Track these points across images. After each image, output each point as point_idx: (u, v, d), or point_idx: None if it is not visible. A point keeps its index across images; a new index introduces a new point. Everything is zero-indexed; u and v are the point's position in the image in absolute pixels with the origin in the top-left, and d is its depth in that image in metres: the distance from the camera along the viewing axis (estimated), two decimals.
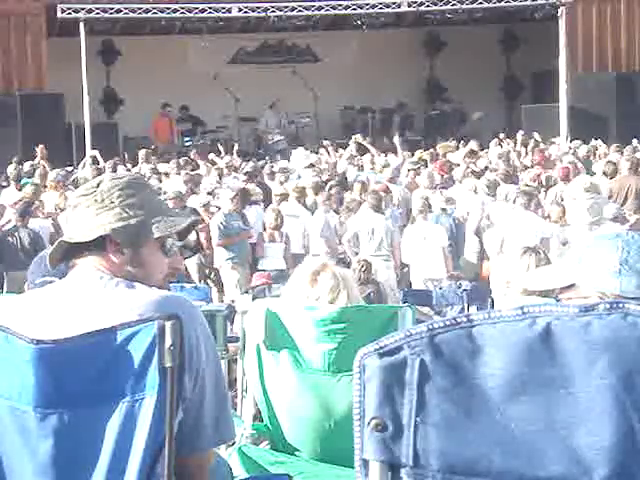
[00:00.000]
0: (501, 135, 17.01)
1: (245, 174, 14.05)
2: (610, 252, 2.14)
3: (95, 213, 2.38)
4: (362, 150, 16.58)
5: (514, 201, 11.24)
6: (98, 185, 2.43)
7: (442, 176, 13.68)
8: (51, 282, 3.86)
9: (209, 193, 12.82)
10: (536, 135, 16.62)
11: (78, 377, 2.12)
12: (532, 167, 14.62)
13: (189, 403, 2.19)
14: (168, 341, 2.07)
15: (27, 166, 14.59)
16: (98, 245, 2.37)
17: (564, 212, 11.12)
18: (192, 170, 14.67)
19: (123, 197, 2.39)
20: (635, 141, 15.79)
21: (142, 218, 2.38)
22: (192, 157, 16.06)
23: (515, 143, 16.44)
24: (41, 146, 15.52)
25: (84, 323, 2.19)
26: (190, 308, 2.25)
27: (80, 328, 2.16)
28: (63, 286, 2.37)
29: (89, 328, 2.15)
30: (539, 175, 13.81)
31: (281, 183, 13.59)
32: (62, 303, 2.29)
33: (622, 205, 11.96)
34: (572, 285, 2.18)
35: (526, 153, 16.01)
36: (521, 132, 17.05)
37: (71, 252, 2.41)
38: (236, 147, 16.91)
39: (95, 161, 15.66)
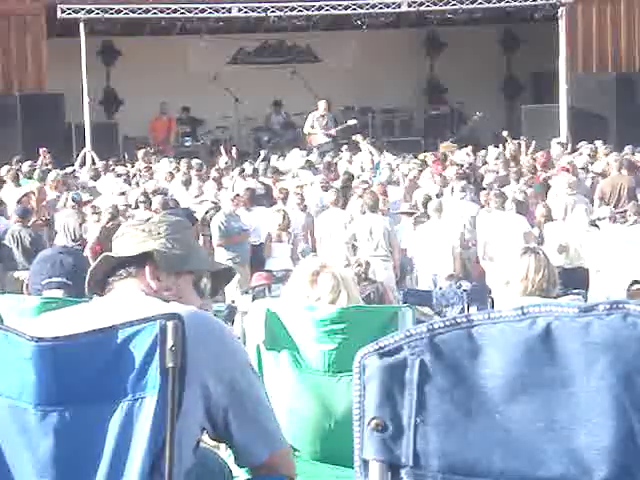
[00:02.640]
0: (505, 133, 16.97)
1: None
2: None
3: (141, 240, 2.50)
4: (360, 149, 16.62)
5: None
6: (147, 220, 2.59)
7: (439, 175, 13.71)
8: (57, 283, 3.87)
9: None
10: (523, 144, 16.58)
11: (79, 375, 2.12)
12: (534, 169, 14.60)
13: (217, 418, 2.23)
14: (170, 341, 2.07)
15: (26, 166, 14.61)
16: (138, 268, 2.46)
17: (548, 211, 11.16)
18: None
19: (170, 231, 2.52)
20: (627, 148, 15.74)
21: (184, 253, 2.51)
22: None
23: (519, 145, 16.41)
24: (44, 149, 15.52)
25: None
26: (208, 326, 2.25)
27: None
28: (105, 302, 2.43)
29: None
30: (538, 177, 13.82)
31: (273, 183, 13.65)
32: (103, 317, 2.29)
33: (615, 205, 12.00)
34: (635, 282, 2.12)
35: (526, 154, 16.01)
36: (523, 138, 17.03)
37: (111, 273, 2.49)
38: (234, 151, 16.89)
39: (88, 160, 15.68)
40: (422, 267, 10.90)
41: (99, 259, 2.52)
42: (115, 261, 2.48)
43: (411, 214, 11.62)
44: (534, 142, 16.47)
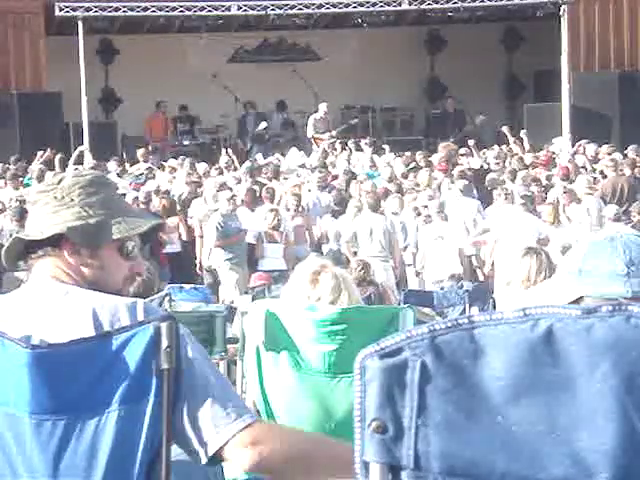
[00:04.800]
0: (504, 128, 16.95)
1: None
2: (612, 256, 2.09)
3: (53, 210, 2.30)
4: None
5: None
6: (59, 182, 2.35)
7: (444, 173, 13.70)
8: None
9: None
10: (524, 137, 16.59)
11: (74, 382, 2.10)
12: (534, 167, 14.61)
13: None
14: (164, 343, 2.06)
15: (35, 169, 14.61)
16: (55, 244, 2.30)
17: (557, 212, 11.15)
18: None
19: (84, 195, 2.32)
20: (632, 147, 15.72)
21: (102, 218, 2.31)
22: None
23: (520, 142, 16.41)
24: (43, 151, 15.50)
25: (37, 334, 2.16)
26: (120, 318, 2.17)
27: (35, 339, 2.14)
28: (18, 295, 2.31)
29: (42, 338, 2.14)
30: (539, 175, 13.82)
31: (270, 180, 13.70)
32: (17, 313, 2.23)
33: (617, 205, 12.01)
34: (579, 298, 2.11)
35: (528, 151, 16.02)
36: (523, 131, 17.03)
37: (28, 250, 2.34)
38: (230, 151, 16.89)
39: (81, 157, 15.67)
40: (427, 269, 10.85)
41: (11, 240, 2.36)
42: (28, 241, 2.32)
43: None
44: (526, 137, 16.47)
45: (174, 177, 14.45)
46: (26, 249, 2.34)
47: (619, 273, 2.07)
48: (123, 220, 2.32)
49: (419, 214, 11.59)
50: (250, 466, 2.11)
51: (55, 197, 2.31)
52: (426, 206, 11.69)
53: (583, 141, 16.73)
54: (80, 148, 16.37)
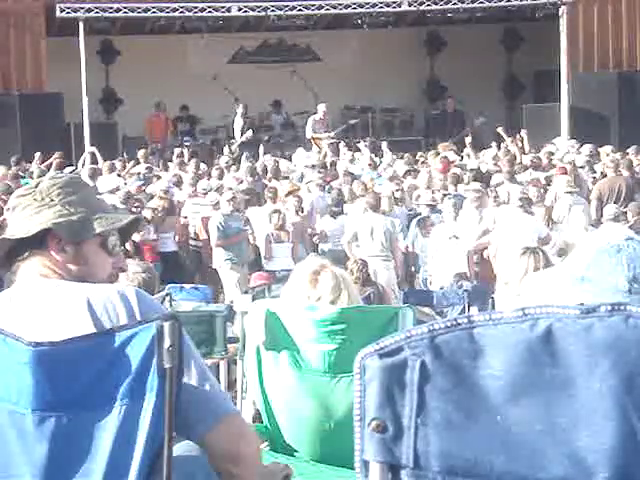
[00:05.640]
0: (499, 129, 16.95)
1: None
2: (616, 270, 2.07)
3: (35, 211, 2.36)
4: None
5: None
6: (37, 185, 2.42)
7: (444, 174, 13.68)
8: None
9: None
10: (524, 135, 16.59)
11: (76, 379, 2.11)
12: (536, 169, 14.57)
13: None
14: (167, 342, 2.06)
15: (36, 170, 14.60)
16: (40, 244, 2.35)
17: (550, 215, 11.14)
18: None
19: (63, 195, 2.38)
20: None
21: (83, 215, 2.37)
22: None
23: (519, 142, 16.39)
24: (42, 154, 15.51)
25: (33, 328, 2.19)
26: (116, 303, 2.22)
27: (32, 336, 2.15)
28: (9, 293, 2.34)
29: (40, 334, 2.16)
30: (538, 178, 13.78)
31: (270, 180, 13.70)
32: (11, 310, 2.26)
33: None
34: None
35: (529, 152, 16.00)
36: (524, 131, 17.01)
37: (14, 252, 2.38)
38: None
39: (94, 158, 15.68)
40: (436, 270, 10.77)
41: None
42: (14, 242, 2.36)
43: (433, 206, 11.61)
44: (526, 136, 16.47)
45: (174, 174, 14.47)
46: (10, 254, 2.38)
47: (620, 289, 2.05)
48: (103, 216, 2.40)
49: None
50: (235, 454, 2.21)
51: (35, 199, 2.37)
52: (428, 205, 11.68)
53: (572, 141, 16.71)
54: (88, 150, 16.36)
